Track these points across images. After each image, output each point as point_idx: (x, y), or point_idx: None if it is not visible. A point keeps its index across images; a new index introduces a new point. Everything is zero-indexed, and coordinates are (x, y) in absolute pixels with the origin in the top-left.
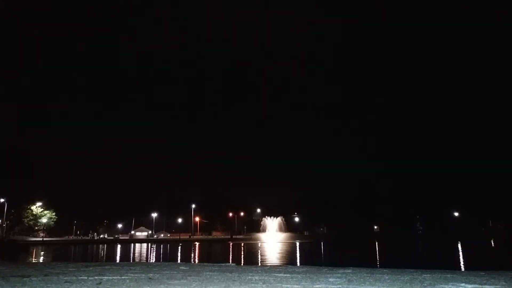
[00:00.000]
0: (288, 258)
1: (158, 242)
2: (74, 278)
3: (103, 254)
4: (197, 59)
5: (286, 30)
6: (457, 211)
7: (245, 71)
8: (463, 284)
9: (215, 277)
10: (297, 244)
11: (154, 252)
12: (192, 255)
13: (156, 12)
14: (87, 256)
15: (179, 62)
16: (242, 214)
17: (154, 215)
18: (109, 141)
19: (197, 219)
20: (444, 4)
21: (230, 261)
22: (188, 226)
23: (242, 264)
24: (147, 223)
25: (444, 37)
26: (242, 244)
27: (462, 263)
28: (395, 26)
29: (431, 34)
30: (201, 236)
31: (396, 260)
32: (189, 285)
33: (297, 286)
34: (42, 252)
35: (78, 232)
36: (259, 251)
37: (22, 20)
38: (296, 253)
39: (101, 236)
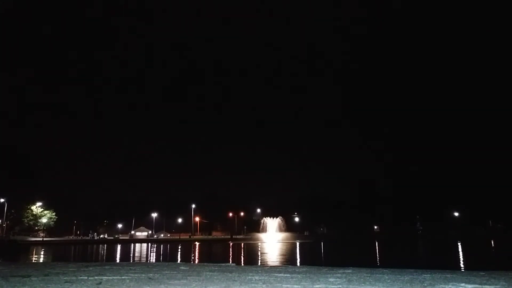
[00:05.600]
0: (288, 258)
1: (158, 242)
2: (74, 278)
3: (103, 254)
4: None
5: (287, 29)
6: (457, 211)
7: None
8: (463, 284)
9: (215, 277)
10: (297, 244)
11: (154, 252)
12: (192, 255)
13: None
14: (87, 256)
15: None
16: (242, 214)
17: (154, 215)
18: (109, 141)
19: (197, 219)
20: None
21: (230, 261)
22: (188, 226)
23: (242, 264)
24: (147, 223)
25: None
26: (242, 244)
27: (462, 263)
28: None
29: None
30: (201, 236)
31: (396, 260)
32: (189, 285)
33: (297, 286)
34: (42, 252)
35: (78, 232)
36: (259, 251)
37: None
38: (296, 253)
39: (101, 236)
